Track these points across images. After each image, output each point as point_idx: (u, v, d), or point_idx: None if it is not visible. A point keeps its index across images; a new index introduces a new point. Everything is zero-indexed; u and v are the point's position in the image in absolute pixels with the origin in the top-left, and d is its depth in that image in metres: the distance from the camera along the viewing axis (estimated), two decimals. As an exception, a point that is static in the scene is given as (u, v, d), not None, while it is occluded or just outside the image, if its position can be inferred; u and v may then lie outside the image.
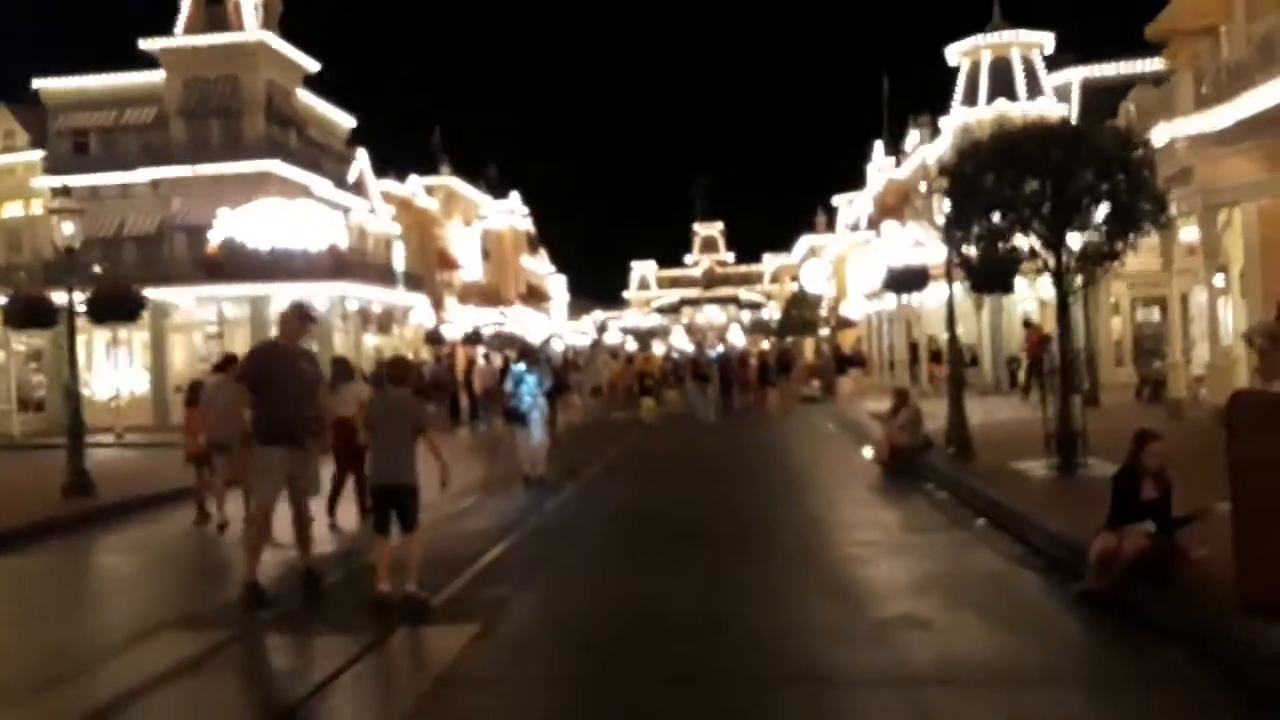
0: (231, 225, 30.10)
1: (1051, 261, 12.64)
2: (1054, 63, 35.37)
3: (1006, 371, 29.53)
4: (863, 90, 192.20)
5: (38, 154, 34.97)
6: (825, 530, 10.83)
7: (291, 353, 8.48)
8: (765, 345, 54.48)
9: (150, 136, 34.03)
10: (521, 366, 14.46)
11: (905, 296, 29.98)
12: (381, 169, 45.52)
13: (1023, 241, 12.96)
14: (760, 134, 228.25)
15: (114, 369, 33.58)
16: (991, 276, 15.28)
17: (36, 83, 34.63)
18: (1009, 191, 12.60)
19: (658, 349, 65.35)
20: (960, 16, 38.76)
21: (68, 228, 14.82)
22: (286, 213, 30.32)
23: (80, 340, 33.20)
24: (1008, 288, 15.74)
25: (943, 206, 14.99)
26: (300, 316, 8.53)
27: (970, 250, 14.28)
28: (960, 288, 22.55)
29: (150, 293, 31.63)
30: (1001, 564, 8.80)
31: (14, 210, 36.61)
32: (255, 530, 8.22)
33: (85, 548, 11.89)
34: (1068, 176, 12.27)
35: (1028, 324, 26.90)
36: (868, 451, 17.32)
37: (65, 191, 15.04)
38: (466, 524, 11.78)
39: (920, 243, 31.91)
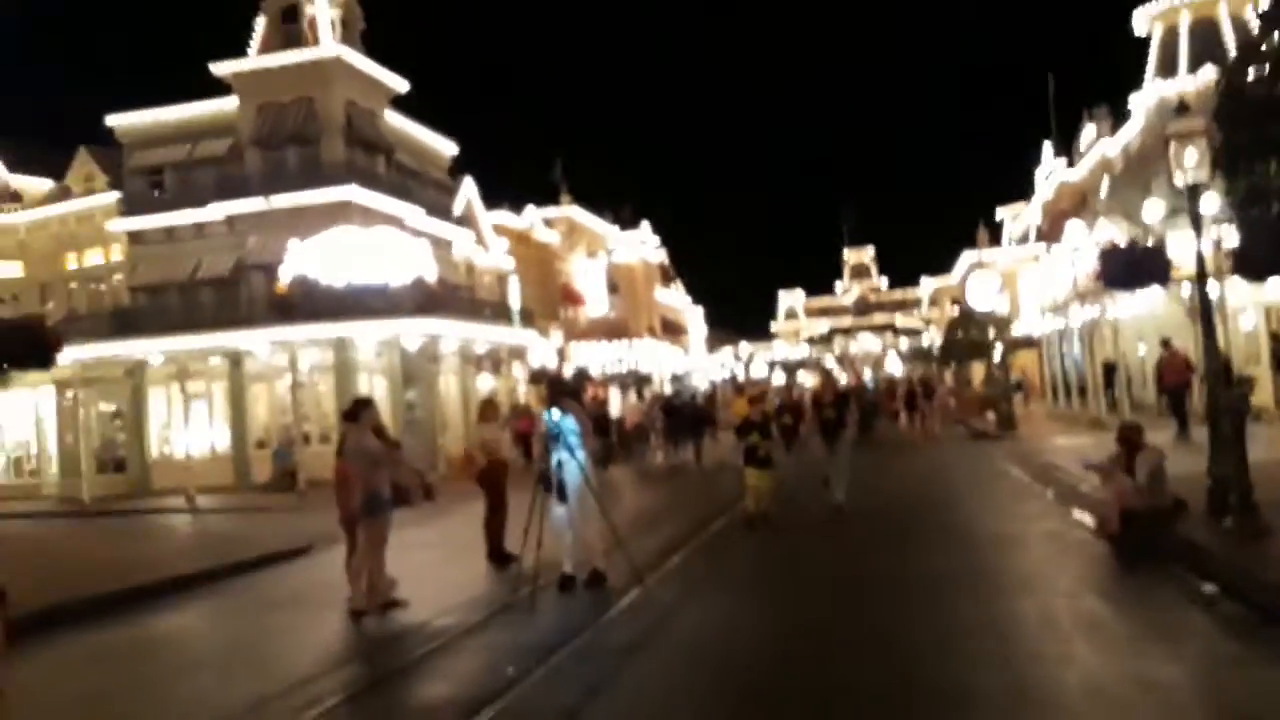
0: (302, 259, 26.63)
1: None
2: (1272, 21, 29.13)
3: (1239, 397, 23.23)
4: (1020, 98, 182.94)
5: (115, 196, 32.61)
6: None
7: None
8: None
9: (225, 169, 31.06)
10: (556, 412, 9.53)
11: (1099, 307, 24.24)
12: (494, 201, 42.23)
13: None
14: (910, 152, 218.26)
15: (189, 425, 30.78)
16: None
17: (110, 119, 32.15)
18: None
19: (807, 381, 59.85)
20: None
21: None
22: (362, 242, 26.68)
23: (160, 394, 31.29)
24: (1296, 271, 10.52)
25: (1184, 161, 10.66)
26: None
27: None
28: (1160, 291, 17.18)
29: (223, 338, 28.72)
30: None
31: (95, 258, 34.40)
32: None
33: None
34: None
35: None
36: (1081, 515, 12.27)
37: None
38: (425, 686, 7.27)
39: (1115, 243, 26.34)
